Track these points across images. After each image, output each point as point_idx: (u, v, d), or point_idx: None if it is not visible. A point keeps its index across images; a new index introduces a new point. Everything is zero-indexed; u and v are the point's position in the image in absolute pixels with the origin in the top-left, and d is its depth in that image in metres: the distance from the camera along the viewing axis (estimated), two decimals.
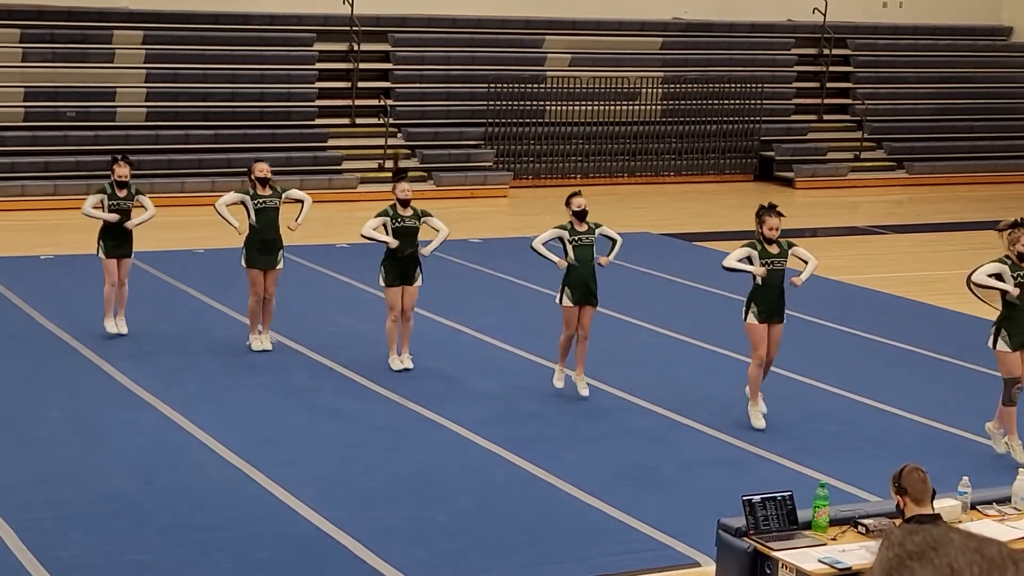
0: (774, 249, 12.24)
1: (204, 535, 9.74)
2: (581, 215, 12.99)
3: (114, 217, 14.60)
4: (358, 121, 26.08)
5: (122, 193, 14.72)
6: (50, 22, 24.61)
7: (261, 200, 14.28)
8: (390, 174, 25.14)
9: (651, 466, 11.40)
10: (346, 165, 25.20)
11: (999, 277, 11.38)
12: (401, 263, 13.70)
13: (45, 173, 23.22)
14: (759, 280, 12.13)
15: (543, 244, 13.01)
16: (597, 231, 13.09)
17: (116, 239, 14.72)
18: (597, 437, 12.11)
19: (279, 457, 11.32)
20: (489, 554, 9.57)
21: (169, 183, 23.62)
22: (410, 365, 13.82)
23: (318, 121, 25.72)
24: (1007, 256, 11.38)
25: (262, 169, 14.42)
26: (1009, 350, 11.26)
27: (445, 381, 13.58)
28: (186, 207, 23.11)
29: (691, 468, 11.36)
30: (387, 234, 13.70)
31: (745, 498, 8.21)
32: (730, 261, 12.26)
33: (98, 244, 14.79)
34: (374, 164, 25.40)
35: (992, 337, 11.40)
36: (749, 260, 12.22)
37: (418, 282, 13.85)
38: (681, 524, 10.00)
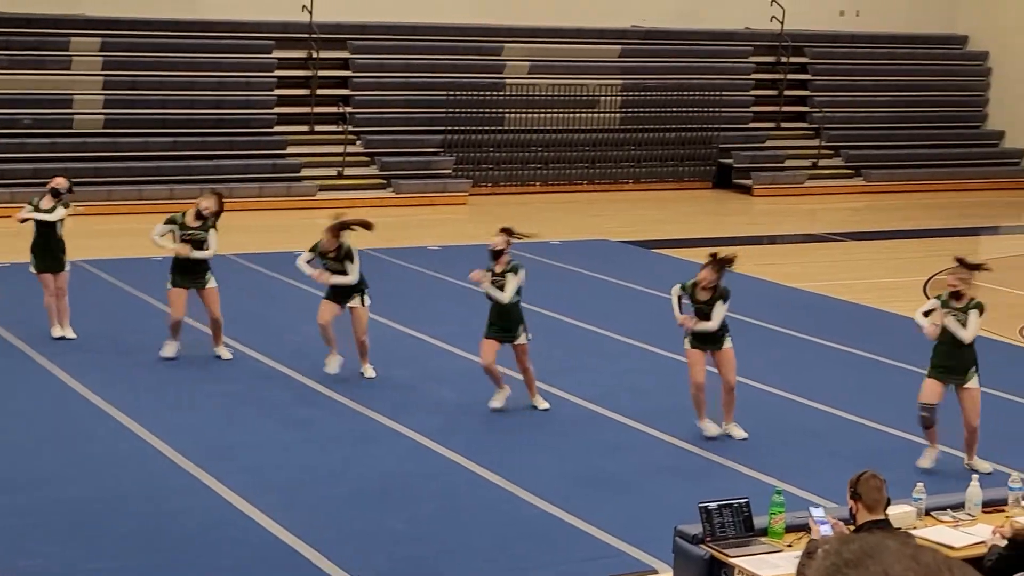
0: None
1: (164, 543, 9.71)
2: (495, 255, 12.81)
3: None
4: (317, 128, 26.05)
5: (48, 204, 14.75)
6: (6, 29, 24.47)
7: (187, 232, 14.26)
8: (343, 181, 25.11)
9: (609, 473, 11.43)
10: (305, 172, 25.15)
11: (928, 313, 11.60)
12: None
13: (1, 181, 23.08)
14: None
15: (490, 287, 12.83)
16: (511, 274, 12.75)
17: (44, 254, 14.69)
18: (556, 444, 12.13)
19: (239, 465, 11.30)
20: (449, 561, 9.58)
21: (127, 191, 23.53)
22: (372, 374, 13.82)
23: (277, 128, 25.68)
24: (945, 292, 11.57)
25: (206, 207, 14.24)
26: (926, 376, 11.51)
27: (405, 389, 13.57)
28: (144, 215, 23.00)
29: (648, 475, 11.40)
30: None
31: (702, 505, 8.25)
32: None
33: (31, 258, 14.78)
34: (333, 172, 25.38)
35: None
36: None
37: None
38: (639, 531, 10.04)
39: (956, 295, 11.48)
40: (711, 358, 12.18)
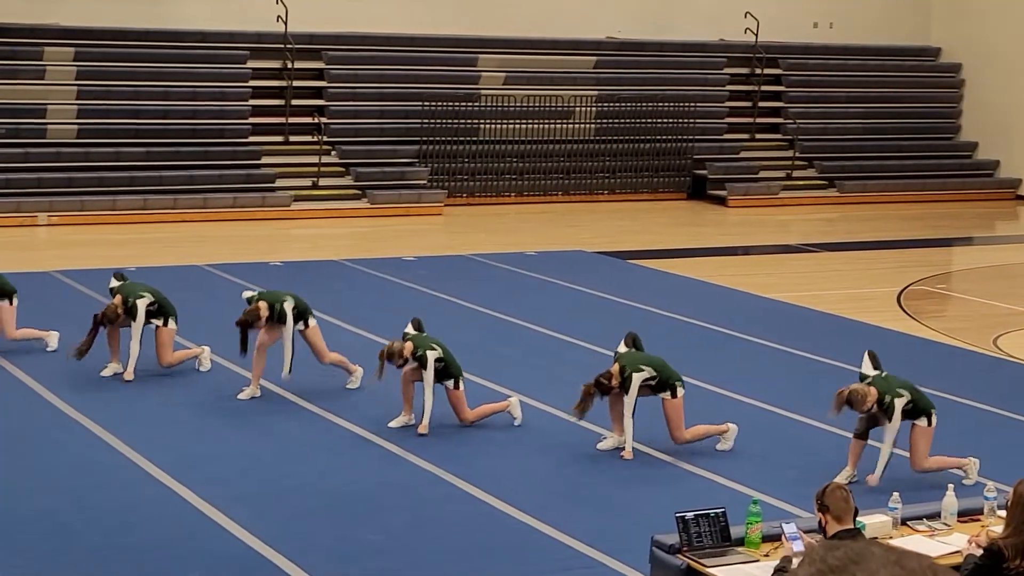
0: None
1: (134, 555, 9.64)
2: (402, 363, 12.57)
3: None
4: (292, 139, 25.99)
5: None
6: None
7: None
8: (318, 192, 25.09)
9: (584, 483, 11.41)
10: (280, 183, 25.09)
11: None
12: None
13: None
14: None
15: None
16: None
17: None
18: (531, 454, 12.10)
19: (210, 475, 11.23)
20: (421, 572, 9.54)
21: (100, 200, 23.42)
22: (357, 377, 13.79)
23: (251, 139, 25.60)
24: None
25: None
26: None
27: (379, 399, 13.51)
28: (118, 225, 22.94)
29: (624, 485, 11.38)
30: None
31: (678, 515, 8.23)
32: None
33: None
34: (308, 182, 25.33)
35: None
36: None
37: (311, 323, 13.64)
38: (615, 541, 10.01)
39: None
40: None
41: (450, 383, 12.63)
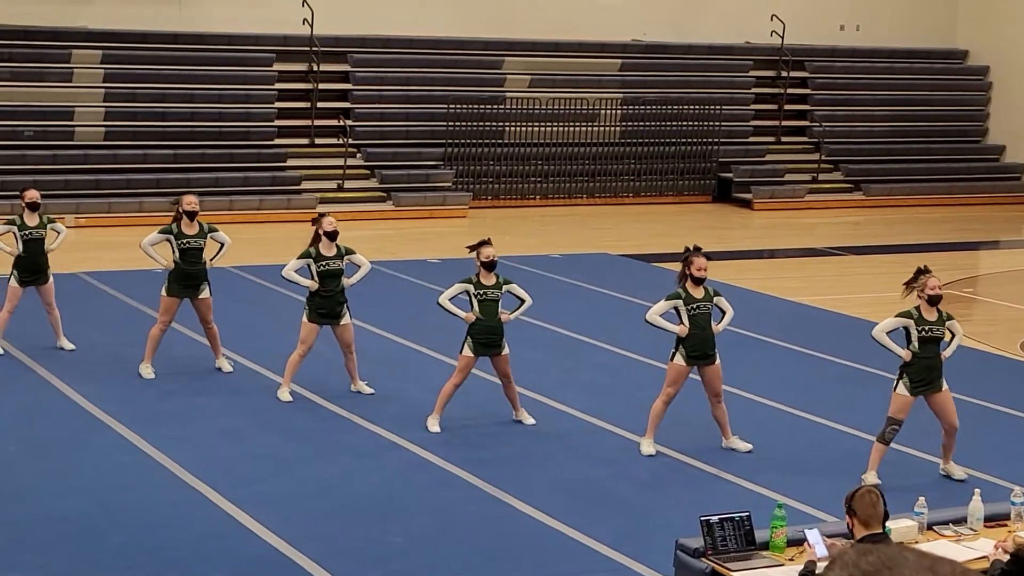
0: (699, 293, 12.17)
1: (158, 556, 9.67)
2: (490, 266, 12.69)
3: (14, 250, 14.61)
4: (317, 141, 26.06)
5: (33, 222, 14.65)
6: (8, 41, 24.49)
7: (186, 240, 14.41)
8: (343, 194, 25.15)
9: (609, 486, 11.40)
10: (305, 185, 25.16)
11: (905, 331, 11.56)
12: (326, 300, 13.54)
13: (1, 192, 23.05)
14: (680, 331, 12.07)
15: (449, 300, 12.75)
16: (505, 288, 12.73)
17: (31, 271, 14.62)
18: (555, 457, 12.10)
19: (236, 477, 11.26)
20: (444, 574, 9.55)
21: (127, 203, 23.53)
22: (368, 390, 13.76)
23: (277, 141, 25.69)
24: (915, 308, 11.56)
25: (191, 202, 14.50)
26: (907, 395, 11.44)
27: (404, 402, 13.54)
28: (144, 227, 22.98)
29: (649, 488, 11.37)
30: (311, 277, 13.56)
31: (703, 518, 8.22)
32: (653, 317, 12.26)
33: (11, 273, 14.69)
34: (333, 184, 25.39)
35: (895, 381, 11.59)
36: (676, 312, 12.16)
37: (345, 319, 13.55)
38: (639, 544, 10.00)
39: (932, 301, 11.50)
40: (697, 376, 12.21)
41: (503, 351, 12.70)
